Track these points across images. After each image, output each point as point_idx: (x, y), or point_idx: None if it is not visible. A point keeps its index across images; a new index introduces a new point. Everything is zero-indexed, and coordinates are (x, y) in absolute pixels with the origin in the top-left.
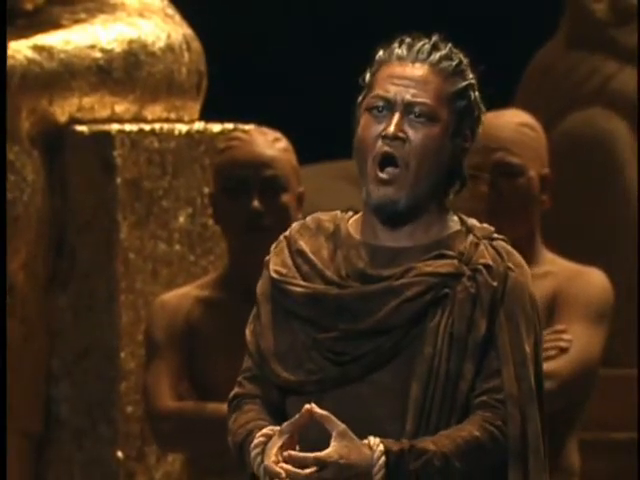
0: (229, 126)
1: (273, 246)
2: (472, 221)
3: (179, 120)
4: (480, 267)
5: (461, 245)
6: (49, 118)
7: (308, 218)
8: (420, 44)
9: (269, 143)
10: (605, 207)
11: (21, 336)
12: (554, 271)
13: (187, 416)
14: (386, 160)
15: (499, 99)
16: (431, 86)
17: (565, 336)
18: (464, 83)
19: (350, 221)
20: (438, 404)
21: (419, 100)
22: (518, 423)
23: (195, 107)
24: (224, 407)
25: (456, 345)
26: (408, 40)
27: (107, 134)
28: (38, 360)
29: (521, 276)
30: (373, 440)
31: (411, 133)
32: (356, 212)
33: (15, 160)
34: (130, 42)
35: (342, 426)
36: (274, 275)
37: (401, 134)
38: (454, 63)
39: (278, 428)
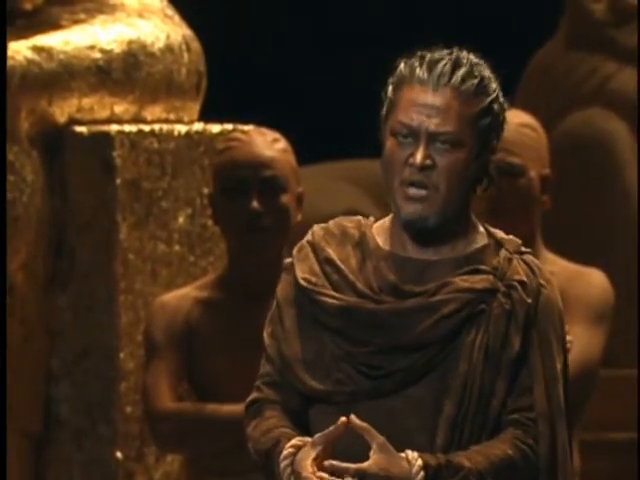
0: (228, 127)
1: (296, 250)
2: (499, 233)
3: (178, 121)
4: (515, 283)
5: (494, 260)
6: (48, 119)
7: (331, 223)
8: (441, 65)
9: (268, 144)
10: (605, 207)
11: (21, 336)
12: (555, 272)
13: (186, 417)
14: (415, 185)
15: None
16: (454, 112)
17: (566, 337)
18: (487, 100)
19: (374, 228)
20: (470, 420)
21: (443, 130)
22: (548, 441)
23: (194, 108)
24: (223, 407)
25: (490, 361)
26: (428, 59)
27: (106, 135)
28: (38, 360)
29: (552, 292)
30: (411, 454)
31: (438, 159)
32: (377, 219)
33: (14, 160)
34: (129, 43)
35: (382, 438)
36: (304, 283)
37: (428, 162)
38: (476, 82)
39: (307, 439)
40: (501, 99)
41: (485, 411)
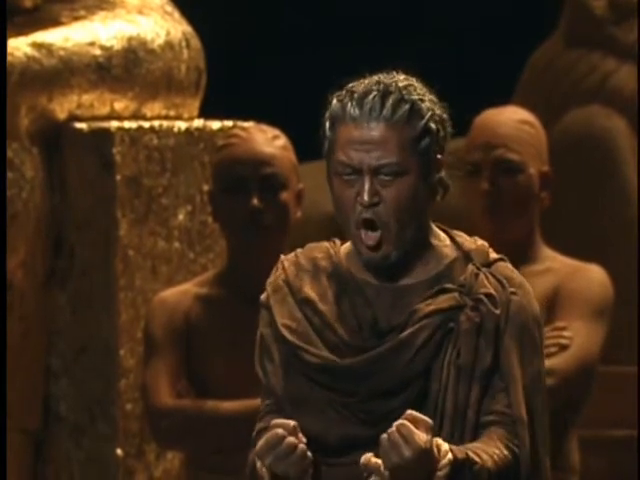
0: (228, 123)
1: (271, 289)
2: (463, 239)
3: (178, 117)
4: (481, 297)
5: (461, 276)
6: (48, 115)
7: (300, 257)
8: (370, 99)
9: (268, 140)
10: (604, 205)
11: (20, 333)
12: (554, 268)
13: (186, 414)
14: (367, 224)
15: (499, 96)
16: (392, 143)
17: (566, 333)
18: (422, 123)
19: (344, 254)
20: (447, 437)
21: (384, 162)
22: (528, 446)
23: (194, 104)
24: (223, 404)
25: (463, 376)
26: (357, 94)
27: (106, 131)
28: (37, 357)
29: (524, 297)
30: (442, 442)
31: (384, 192)
32: (342, 241)
33: (14, 157)
34: (129, 39)
35: (430, 420)
36: (285, 334)
37: (375, 199)
38: (407, 108)
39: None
40: (437, 114)
41: (462, 423)
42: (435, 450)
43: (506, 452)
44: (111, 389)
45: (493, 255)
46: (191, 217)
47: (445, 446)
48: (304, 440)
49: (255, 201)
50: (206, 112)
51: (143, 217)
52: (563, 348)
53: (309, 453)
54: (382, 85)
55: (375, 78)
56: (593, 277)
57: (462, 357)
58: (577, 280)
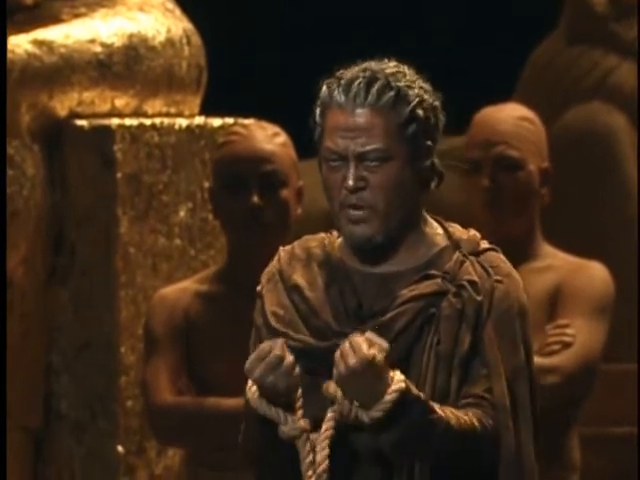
0: (229, 120)
1: (265, 279)
2: (456, 229)
3: (179, 114)
4: (464, 283)
5: (447, 264)
6: (49, 112)
7: (296, 246)
8: (356, 85)
9: (268, 138)
10: (605, 201)
11: (20, 331)
12: (555, 265)
13: (186, 411)
14: (353, 207)
15: (500, 93)
16: (377, 129)
17: (569, 331)
18: (408, 109)
19: (338, 244)
20: None
21: (369, 148)
22: (511, 430)
23: (195, 101)
24: (223, 401)
25: (443, 362)
26: (344, 80)
27: (107, 128)
28: (37, 355)
29: (510, 285)
30: (398, 376)
31: (370, 177)
32: (340, 233)
33: (15, 154)
34: (130, 36)
35: (386, 344)
36: (272, 321)
37: (361, 183)
38: (392, 94)
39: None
40: (427, 101)
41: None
42: (389, 376)
43: (475, 422)
44: (112, 386)
45: (484, 245)
46: (192, 214)
47: (400, 376)
48: (291, 357)
49: (255, 198)
50: (207, 109)
51: (144, 214)
52: (566, 346)
53: (297, 369)
54: (369, 72)
55: (364, 65)
56: (595, 274)
57: (442, 343)
58: (579, 278)
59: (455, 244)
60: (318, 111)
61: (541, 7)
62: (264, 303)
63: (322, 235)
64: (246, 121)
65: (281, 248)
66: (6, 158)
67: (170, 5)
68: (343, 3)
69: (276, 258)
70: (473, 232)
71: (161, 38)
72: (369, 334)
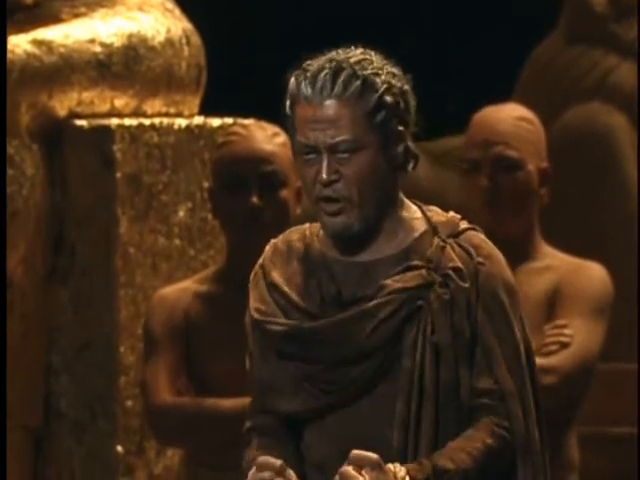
0: (229, 121)
1: (252, 276)
2: (434, 212)
3: (179, 114)
4: (449, 272)
5: (428, 250)
6: (49, 112)
7: (279, 240)
8: (322, 77)
9: (268, 138)
10: (604, 201)
11: (20, 331)
12: (554, 265)
13: (185, 411)
14: (328, 200)
15: (499, 93)
16: (345, 120)
17: (566, 331)
18: (376, 96)
19: (319, 235)
20: (431, 415)
21: (339, 139)
22: (521, 418)
23: (195, 101)
24: (223, 402)
25: (444, 353)
26: (310, 72)
27: (107, 128)
28: (37, 355)
29: (492, 267)
30: (399, 469)
31: (343, 169)
32: None
33: (14, 154)
34: (130, 36)
35: (375, 457)
36: (254, 314)
37: (334, 176)
38: (359, 83)
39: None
40: (396, 87)
41: (456, 404)
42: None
43: (490, 440)
44: (112, 386)
45: (463, 225)
46: (191, 214)
47: (402, 472)
48: (292, 476)
49: (255, 199)
50: (206, 109)
51: (143, 214)
52: (564, 346)
53: None
54: (335, 62)
55: (330, 55)
56: (593, 275)
57: (438, 335)
58: (578, 278)
59: (433, 228)
60: (288, 104)
61: (541, 7)
62: (249, 299)
63: (305, 226)
64: (246, 121)
65: (270, 242)
66: (6, 158)
67: (170, 5)
68: (342, 3)
69: (263, 254)
70: (453, 214)
71: (160, 38)
72: (355, 452)
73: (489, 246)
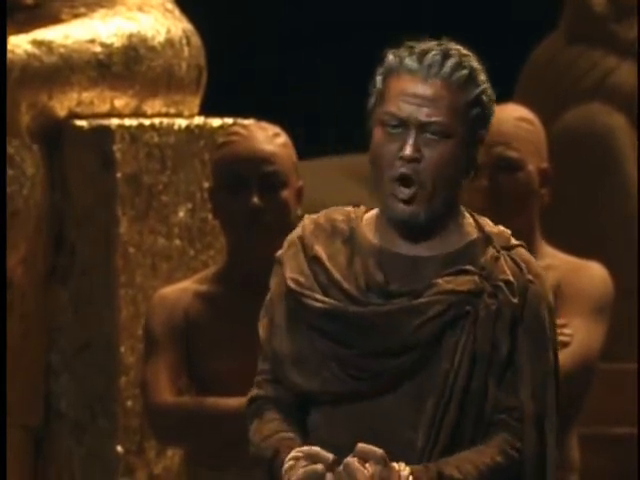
0: (229, 121)
1: (286, 245)
2: (486, 222)
3: (179, 115)
4: (500, 284)
5: (481, 258)
6: (49, 112)
7: (321, 217)
8: (431, 56)
9: (268, 138)
10: (604, 202)
11: (20, 331)
12: (555, 265)
13: (186, 411)
14: (403, 180)
15: (499, 94)
16: (444, 102)
17: (566, 330)
18: (477, 91)
19: (365, 220)
20: (453, 419)
21: (433, 120)
22: (534, 443)
23: (195, 102)
24: (223, 401)
25: (479, 364)
26: (418, 49)
27: (107, 129)
28: (37, 355)
29: (540, 287)
30: (403, 468)
31: (426, 152)
32: (368, 208)
33: (14, 154)
34: (130, 36)
35: (380, 452)
36: (291, 284)
37: (418, 155)
38: (465, 72)
39: (305, 448)
40: (490, 91)
41: (478, 413)
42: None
43: (499, 458)
44: (112, 386)
45: (514, 241)
46: (191, 214)
47: (405, 472)
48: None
49: (255, 199)
50: (206, 109)
51: (143, 214)
52: (564, 345)
53: None
54: (444, 47)
55: (437, 41)
56: (594, 275)
57: (479, 344)
58: (578, 278)
59: (486, 237)
60: (381, 77)
61: (541, 7)
62: (284, 269)
63: (349, 209)
64: (246, 121)
65: (306, 216)
66: (6, 158)
67: (170, 5)
68: (342, 6)
69: (300, 225)
70: (502, 228)
71: (161, 38)
72: (361, 446)
73: (538, 265)
